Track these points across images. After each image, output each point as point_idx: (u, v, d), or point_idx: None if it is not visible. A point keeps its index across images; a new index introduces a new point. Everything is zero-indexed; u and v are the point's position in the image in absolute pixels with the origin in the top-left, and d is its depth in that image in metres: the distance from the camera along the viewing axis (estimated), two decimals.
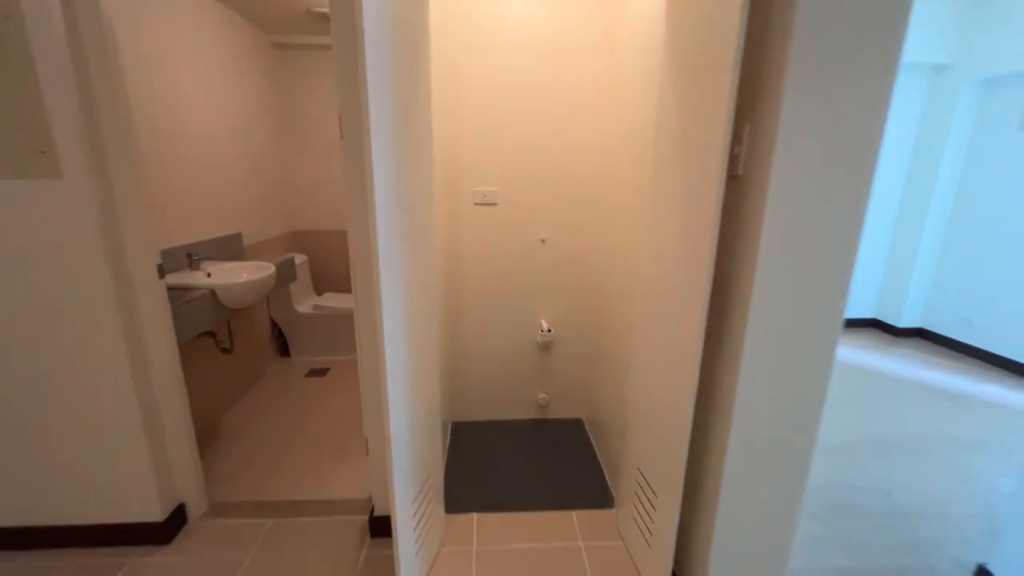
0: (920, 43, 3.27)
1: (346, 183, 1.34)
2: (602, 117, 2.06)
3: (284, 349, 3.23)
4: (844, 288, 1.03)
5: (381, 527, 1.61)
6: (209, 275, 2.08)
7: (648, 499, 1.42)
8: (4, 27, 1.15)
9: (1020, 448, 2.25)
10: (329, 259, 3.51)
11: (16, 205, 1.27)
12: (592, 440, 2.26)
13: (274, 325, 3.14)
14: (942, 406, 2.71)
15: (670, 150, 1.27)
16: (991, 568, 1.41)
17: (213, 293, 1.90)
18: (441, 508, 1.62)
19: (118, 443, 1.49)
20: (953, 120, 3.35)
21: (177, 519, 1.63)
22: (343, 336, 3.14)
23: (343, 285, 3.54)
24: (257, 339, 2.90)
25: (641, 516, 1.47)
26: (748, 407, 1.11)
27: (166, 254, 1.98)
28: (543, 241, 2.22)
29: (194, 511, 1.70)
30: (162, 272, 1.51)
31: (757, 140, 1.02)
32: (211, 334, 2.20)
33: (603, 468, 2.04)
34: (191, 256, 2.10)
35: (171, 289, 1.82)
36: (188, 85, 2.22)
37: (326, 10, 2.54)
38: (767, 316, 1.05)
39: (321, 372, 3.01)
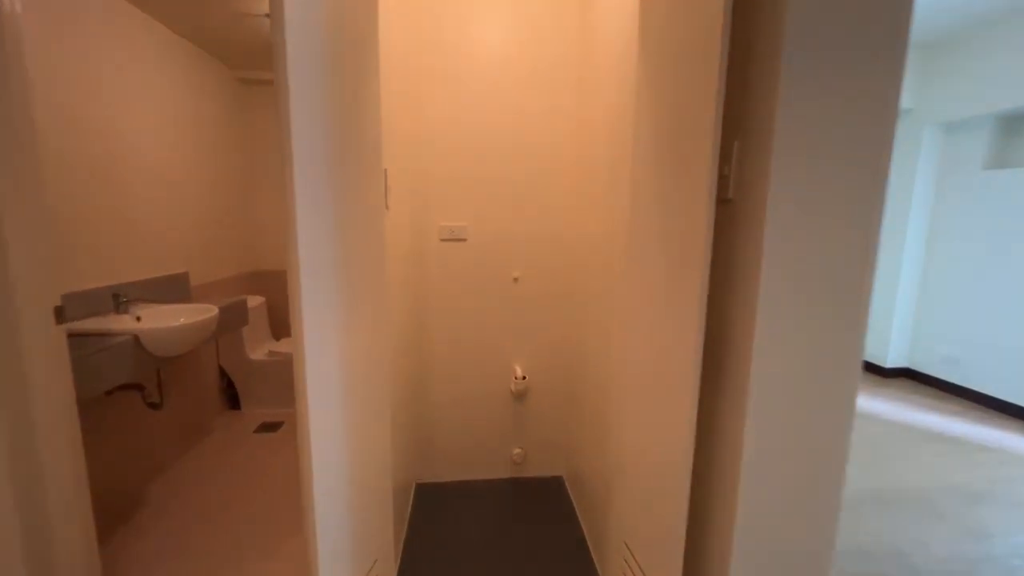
0: None
1: (284, 217, 1.16)
2: (574, 150, 1.97)
3: (235, 401, 2.92)
4: (861, 325, 0.88)
5: None
6: (139, 319, 1.84)
7: None
8: None
9: None
10: None
11: None
12: (574, 502, 2.00)
13: (223, 374, 2.85)
14: (939, 451, 2.55)
15: (646, 175, 1.14)
16: None
17: (136, 339, 1.66)
18: None
19: None
20: (919, 161, 3.42)
21: None
22: None
23: None
24: (202, 391, 2.61)
25: None
26: (755, 468, 0.92)
27: (84, 296, 1.74)
28: (516, 280, 2.06)
29: None
30: (61, 316, 1.28)
31: (749, 157, 0.89)
32: (138, 387, 1.92)
33: (587, 540, 1.78)
34: (118, 298, 1.85)
35: (84, 335, 1.58)
36: (138, 118, 2.06)
37: None
38: (773, 360, 0.88)
39: (273, 427, 2.70)
